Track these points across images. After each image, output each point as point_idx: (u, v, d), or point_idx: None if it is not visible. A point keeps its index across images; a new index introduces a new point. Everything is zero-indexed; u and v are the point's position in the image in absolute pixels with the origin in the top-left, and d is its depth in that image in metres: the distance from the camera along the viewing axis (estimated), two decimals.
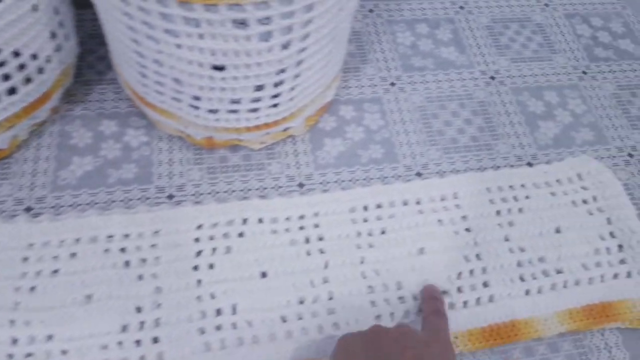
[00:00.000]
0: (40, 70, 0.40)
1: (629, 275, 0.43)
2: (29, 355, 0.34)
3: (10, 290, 0.36)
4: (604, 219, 0.45)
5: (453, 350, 0.33)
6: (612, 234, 0.45)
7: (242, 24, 0.33)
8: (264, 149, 0.46)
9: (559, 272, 0.42)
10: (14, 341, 0.35)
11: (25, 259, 0.37)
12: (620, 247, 0.44)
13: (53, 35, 0.40)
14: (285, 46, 0.36)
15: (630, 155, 0.51)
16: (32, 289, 0.36)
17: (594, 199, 0.47)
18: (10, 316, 0.35)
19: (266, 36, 0.35)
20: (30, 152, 0.43)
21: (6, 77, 0.37)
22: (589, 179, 0.47)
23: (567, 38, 0.59)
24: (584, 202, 0.46)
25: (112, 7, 0.34)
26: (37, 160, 0.43)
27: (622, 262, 0.43)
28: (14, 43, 0.36)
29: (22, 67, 0.38)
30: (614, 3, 0.63)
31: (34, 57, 0.39)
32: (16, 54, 0.37)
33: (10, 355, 0.34)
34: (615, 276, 0.43)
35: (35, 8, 0.36)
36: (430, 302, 0.38)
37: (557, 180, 0.47)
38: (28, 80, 0.39)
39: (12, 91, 0.38)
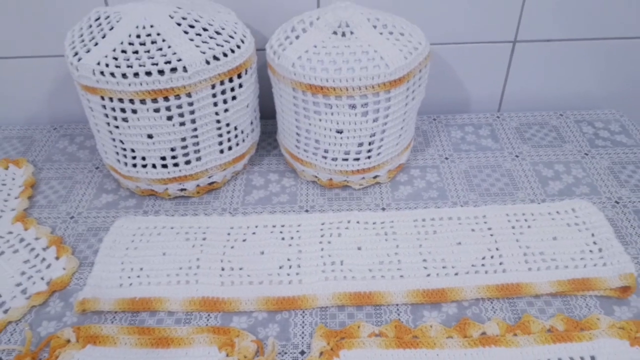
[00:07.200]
0: (243, 140, 0.74)
1: (604, 264, 0.63)
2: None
3: (220, 248, 0.66)
4: (589, 234, 0.67)
5: None
6: (594, 242, 0.66)
7: (353, 107, 0.66)
8: (361, 189, 0.75)
9: (553, 260, 0.64)
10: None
11: (229, 234, 0.68)
12: (600, 250, 0.65)
13: (251, 123, 0.75)
14: (374, 120, 0.67)
15: (617, 202, 0.73)
16: (232, 247, 0.66)
17: (583, 223, 0.69)
18: (222, 258, 0.65)
19: (365, 114, 0.66)
20: (231, 186, 0.77)
21: (228, 140, 0.72)
22: (580, 212, 0.70)
23: (576, 134, 0.85)
24: (576, 224, 0.69)
25: (287, 102, 0.69)
26: (234, 190, 0.76)
27: (601, 258, 0.64)
28: (237, 122, 0.71)
29: (235, 136, 0.73)
30: (613, 113, 0.89)
31: (242, 132, 0.73)
32: (235, 128, 0.72)
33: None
34: (595, 265, 0.64)
35: (247, 105, 0.72)
36: None
37: (557, 212, 0.71)
38: (237, 144, 0.74)
39: (229, 149, 0.73)
